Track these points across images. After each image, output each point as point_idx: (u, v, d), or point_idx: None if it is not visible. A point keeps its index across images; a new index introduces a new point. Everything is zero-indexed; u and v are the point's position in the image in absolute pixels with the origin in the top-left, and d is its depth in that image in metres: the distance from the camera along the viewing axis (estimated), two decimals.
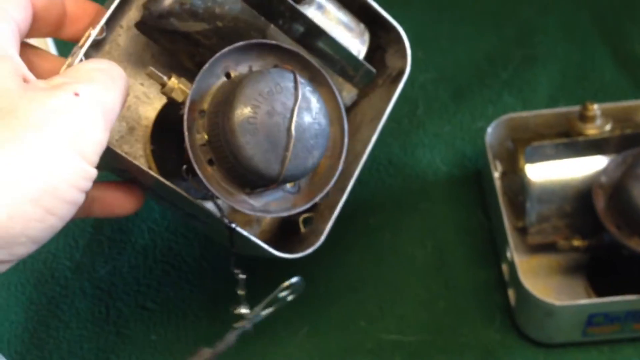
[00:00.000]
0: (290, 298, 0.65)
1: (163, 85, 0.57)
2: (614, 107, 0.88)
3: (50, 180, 0.44)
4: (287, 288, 0.64)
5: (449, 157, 0.99)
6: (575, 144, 0.80)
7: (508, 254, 0.80)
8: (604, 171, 0.78)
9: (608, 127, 0.83)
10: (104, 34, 0.61)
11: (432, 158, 0.99)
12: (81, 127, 0.45)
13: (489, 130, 0.89)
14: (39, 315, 0.86)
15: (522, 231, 0.86)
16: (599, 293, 0.80)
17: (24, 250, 0.46)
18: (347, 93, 0.69)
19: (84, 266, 0.89)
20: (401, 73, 0.73)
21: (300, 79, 0.56)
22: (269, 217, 0.69)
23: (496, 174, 0.90)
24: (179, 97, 0.56)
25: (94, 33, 0.54)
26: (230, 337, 0.64)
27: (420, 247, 0.90)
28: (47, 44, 0.89)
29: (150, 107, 0.67)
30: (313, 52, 0.64)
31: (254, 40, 0.58)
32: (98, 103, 0.47)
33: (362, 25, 0.70)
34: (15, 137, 0.43)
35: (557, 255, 0.85)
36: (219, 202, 0.59)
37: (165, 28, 0.59)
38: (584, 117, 0.83)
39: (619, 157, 0.78)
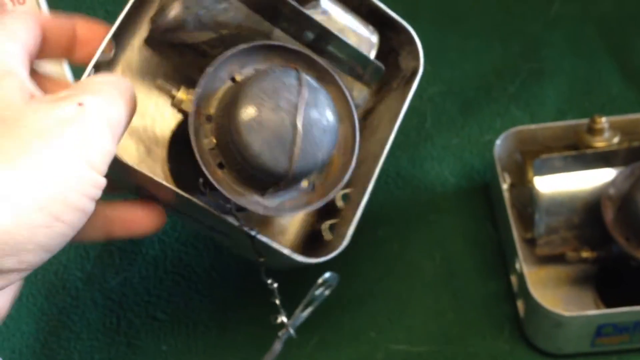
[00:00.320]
0: (327, 293, 0.65)
1: (172, 97, 0.58)
2: (621, 120, 0.89)
3: (58, 188, 0.44)
4: (322, 285, 0.64)
5: (457, 170, 1.00)
6: (584, 157, 0.81)
7: (517, 265, 0.81)
8: (612, 183, 0.78)
9: (616, 140, 0.84)
10: (112, 52, 0.61)
11: (440, 170, 1.00)
12: (87, 136, 0.46)
13: (498, 142, 0.90)
14: (50, 326, 0.86)
15: (530, 242, 0.86)
16: (608, 304, 0.80)
17: (33, 258, 0.46)
18: (357, 92, 0.69)
19: (94, 277, 0.89)
20: (415, 73, 0.74)
21: (304, 76, 0.56)
22: (283, 215, 0.68)
23: (505, 186, 0.90)
24: (188, 108, 0.57)
25: (101, 47, 0.55)
26: (277, 347, 0.65)
27: (429, 258, 0.91)
28: (64, 70, 0.91)
29: (167, 128, 0.68)
30: (320, 52, 0.64)
31: (258, 42, 0.58)
32: (103, 113, 0.48)
33: (370, 27, 0.70)
34: (22, 145, 0.43)
35: (565, 267, 0.86)
36: (240, 214, 0.60)
37: (173, 42, 0.61)
38: (592, 130, 0.84)
39: (627, 169, 0.78)
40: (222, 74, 0.58)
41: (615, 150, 0.81)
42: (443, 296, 0.87)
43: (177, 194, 0.60)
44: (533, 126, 0.91)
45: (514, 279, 0.85)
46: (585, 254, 0.80)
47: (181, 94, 0.57)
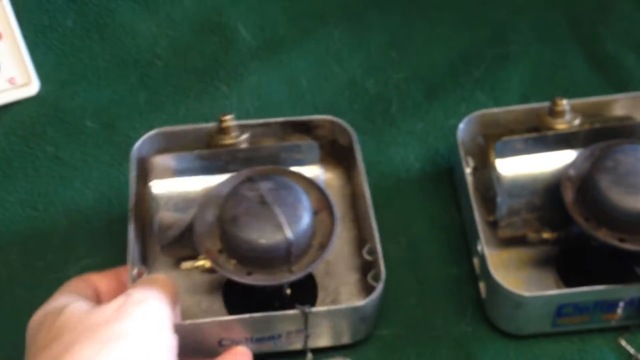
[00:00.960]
0: None
1: (197, 267, 0.77)
2: (583, 103, 0.89)
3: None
4: None
5: (422, 154, 1.00)
6: (545, 138, 0.81)
7: (479, 247, 0.81)
8: (573, 164, 0.78)
9: (577, 122, 0.84)
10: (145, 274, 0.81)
11: (405, 155, 1.00)
12: (148, 327, 0.66)
13: (461, 126, 0.90)
14: None
15: (493, 225, 0.86)
16: (569, 285, 0.80)
17: None
18: (309, 171, 0.83)
19: None
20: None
21: (257, 178, 0.77)
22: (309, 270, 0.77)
23: (468, 170, 0.90)
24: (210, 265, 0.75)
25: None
26: None
27: (394, 242, 0.91)
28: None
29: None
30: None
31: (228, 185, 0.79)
32: (156, 306, 0.68)
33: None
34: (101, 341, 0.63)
35: (527, 249, 0.86)
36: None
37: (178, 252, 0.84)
38: (553, 112, 0.84)
39: (587, 150, 0.79)
40: (207, 215, 0.77)
41: (576, 131, 0.81)
42: (407, 280, 0.87)
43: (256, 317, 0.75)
44: (496, 110, 0.91)
45: (476, 261, 0.85)
46: (546, 235, 0.81)
47: (202, 262, 0.76)
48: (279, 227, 0.72)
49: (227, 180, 0.79)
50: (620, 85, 1.05)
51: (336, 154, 0.95)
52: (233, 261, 0.75)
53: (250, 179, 0.77)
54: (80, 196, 0.97)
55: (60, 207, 0.96)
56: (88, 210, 0.96)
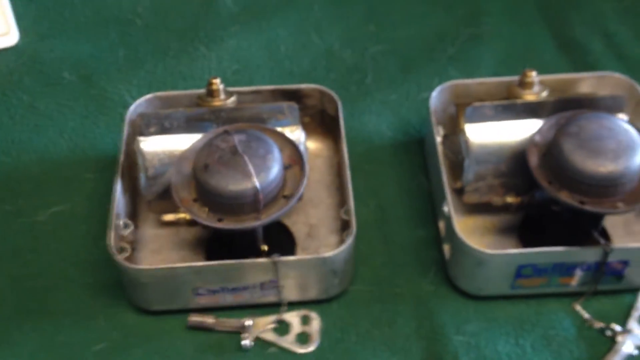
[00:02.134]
0: None
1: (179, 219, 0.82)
2: (551, 79, 0.91)
3: None
4: None
5: (394, 124, 1.02)
6: (514, 107, 0.83)
7: (445, 209, 0.82)
8: (539, 131, 0.80)
9: (545, 94, 0.86)
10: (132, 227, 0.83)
11: (378, 124, 1.01)
12: None
13: (433, 94, 0.92)
14: None
15: (459, 193, 0.88)
16: None
17: None
18: (290, 132, 0.84)
19: None
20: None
21: (232, 132, 0.78)
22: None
23: (438, 138, 0.92)
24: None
25: None
26: None
27: (363, 205, 0.92)
28: None
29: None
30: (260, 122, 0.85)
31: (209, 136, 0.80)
32: None
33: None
34: None
35: (491, 216, 0.88)
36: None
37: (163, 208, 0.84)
38: (523, 84, 0.86)
39: (553, 118, 0.81)
40: (184, 167, 0.78)
41: (543, 102, 0.83)
42: (374, 241, 0.89)
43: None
44: (468, 80, 0.93)
45: (441, 224, 0.87)
46: (510, 200, 0.83)
47: (183, 214, 0.80)
48: (248, 175, 0.73)
49: (206, 135, 0.80)
50: (586, 68, 1.07)
51: (325, 125, 0.96)
52: (205, 209, 0.75)
53: (226, 132, 0.78)
54: (54, 145, 0.97)
55: (33, 154, 0.96)
56: (61, 159, 0.95)
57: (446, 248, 0.85)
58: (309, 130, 0.97)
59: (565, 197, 0.75)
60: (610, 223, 0.88)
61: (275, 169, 0.74)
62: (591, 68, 1.07)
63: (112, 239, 0.78)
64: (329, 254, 0.77)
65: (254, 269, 0.77)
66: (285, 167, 0.78)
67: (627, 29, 1.13)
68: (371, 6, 1.16)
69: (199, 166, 0.74)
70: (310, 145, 0.97)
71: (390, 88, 1.06)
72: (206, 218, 0.74)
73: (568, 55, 1.10)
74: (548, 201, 0.78)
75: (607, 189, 0.74)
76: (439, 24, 1.14)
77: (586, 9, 1.16)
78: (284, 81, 1.05)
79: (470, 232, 0.88)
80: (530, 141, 0.80)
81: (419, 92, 1.04)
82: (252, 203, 0.73)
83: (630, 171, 0.73)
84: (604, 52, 1.10)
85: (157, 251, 0.87)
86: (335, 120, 0.92)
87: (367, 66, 1.08)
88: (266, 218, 0.74)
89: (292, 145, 0.80)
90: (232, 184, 0.72)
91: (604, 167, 0.73)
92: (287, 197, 0.76)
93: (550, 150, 0.77)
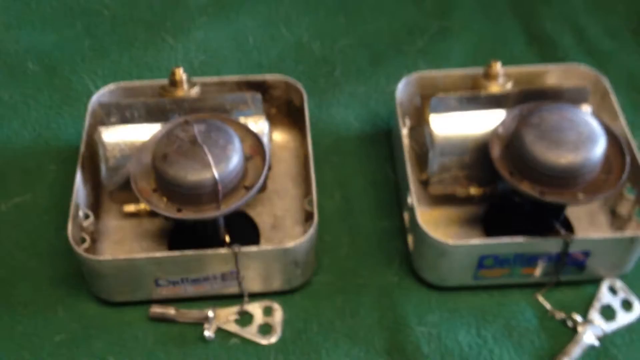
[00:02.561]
0: None
1: (139, 210, 0.82)
2: (518, 71, 0.91)
3: None
4: None
5: (362, 116, 1.01)
6: (478, 98, 0.83)
7: (409, 201, 0.82)
8: (502, 123, 0.80)
9: (509, 86, 0.86)
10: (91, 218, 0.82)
11: (345, 115, 1.01)
12: None
13: (399, 86, 0.91)
14: None
15: (425, 184, 0.88)
16: None
17: None
18: (254, 123, 0.84)
19: None
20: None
21: (193, 122, 0.76)
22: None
23: (405, 130, 0.92)
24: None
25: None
26: None
27: (329, 197, 0.92)
28: None
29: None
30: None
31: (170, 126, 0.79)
32: None
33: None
34: None
35: (456, 208, 0.88)
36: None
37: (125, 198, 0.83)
38: (487, 75, 0.86)
39: (515, 109, 0.81)
40: (144, 157, 0.77)
41: (507, 93, 0.83)
42: (339, 232, 0.88)
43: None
44: (434, 72, 0.93)
45: (406, 215, 0.86)
46: (473, 191, 0.83)
47: (144, 205, 0.77)
48: (207, 165, 0.72)
49: (166, 125, 0.79)
50: (555, 62, 1.07)
51: (292, 116, 0.96)
52: (164, 199, 0.75)
53: (186, 122, 0.77)
54: (16, 136, 0.95)
55: None
56: (24, 150, 0.94)
57: (410, 239, 0.85)
58: (275, 122, 0.96)
59: (526, 188, 0.75)
60: (575, 215, 0.88)
61: (235, 160, 0.74)
62: (560, 61, 1.07)
63: (71, 229, 0.77)
64: (290, 244, 0.77)
65: (215, 259, 0.76)
66: (247, 158, 0.77)
67: (596, 24, 1.14)
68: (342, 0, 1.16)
69: (158, 156, 0.74)
70: (276, 136, 0.96)
71: (358, 80, 1.05)
72: (165, 208, 0.74)
73: (538, 49, 1.10)
74: (510, 192, 0.78)
75: (567, 179, 0.74)
76: (408, 17, 1.14)
77: (557, 3, 1.16)
78: (251, 73, 1.04)
79: (436, 223, 0.88)
80: (493, 133, 0.80)
81: (388, 85, 1.04)
82: (211, 193, 0.73)
83: (590, 162, 0.73)
84: (573, 47, 1.10)
85: (120, 242, 0.86)
86: (301, 111, 0.92)
87: (336, 59, 1.08)
88: (225, 208, 0.73)
89: (254, 136, 0.79)
90: (191, 174, 0.72)
91: (564, 158, 0.73)
92: (248, 188, 0.75)
93: (512, 141, 0.77)
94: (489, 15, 1.15)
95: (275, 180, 0.92)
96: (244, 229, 0.87)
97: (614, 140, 0.77)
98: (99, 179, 0.85)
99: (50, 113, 0.98)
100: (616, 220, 0.87)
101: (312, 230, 0.78)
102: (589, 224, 0.88)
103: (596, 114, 0.92)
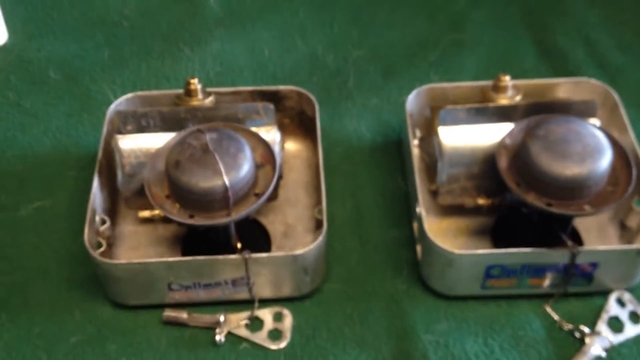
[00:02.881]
0: None
1: (154, 216, 0.84)
2: (528, 84, 0.92)
3: None
4: None
5: (373, 126, 1.03)
6: (486, 110, 0.84)
7: (418, 210, 0.83)
8: (509, 134, 0.81)
9: (518, 99, 0.87)
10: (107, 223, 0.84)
11: (358, 126, 1.03)
12: None
13: (410, 97, 0.93)
14: None
15: (435, 195, 0.89)
16: None
17: None
18: (266, 133, 0.85)
19: None
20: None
21: (205, 131, 0.78)
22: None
23: (415, 141, 0.93)
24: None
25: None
26: None
27: (340, 205, 0.93)
28: None
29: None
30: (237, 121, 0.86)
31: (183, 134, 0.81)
32: None
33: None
34: None
35: (465, 219, 0.89)
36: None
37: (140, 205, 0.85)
38: (496, 88, 0.87)
39: (523, 122, 0.81)
40: (158, 164, 0.79)
41: (515, 105, 0.84)
42: (350, 240, 0.89)
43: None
44: (444, 84, 0.94)
45: (415, 225, 0.87)
46: (481, 201, 0.83)
47: (158, 211, 0.77)
48: (218, 173, 0.74)
49: (180, 133, 0.81)
50: (566, 75, 1.08)
51: (304, 126, 0.97)
52: (177, 205, 0.76)
53: (199, 130, 0.79)
54: (37, 143, 0.98)
55: (17, 151, 0.97)
56: (44, 156, 0.97)
57: (418, 248, 0.85)
58: (288, 132, 0.98)
59: (532, 199, 0.76)
60: (584, 227, 0.88)
61: (245, 167, 0.75)
62: (572, 75, 1.08)
63: (88, 234, 0.79)
64: (299, 251, 0.78)
65: (225, 265, 0.78)
66: (258, 166, 0.79)
67: (608, 37, 1.14)
68: (355, 12, 1.18)
69: (171, 163, 0.75)
70: (289, 146, 0.98)
71: (371, 92, 1.07)
72: (177, 214, 0.75)
73: (549, 62, 1.11)
74: (518, 204, 0.79)
75: (573, 191, 0.74)
76: (421, 30, 1.16)
77: (569, 17, 1.17)
78: (266, 84, 1.06)
79: (444, 233, 0.88)
80: (501, 144, 0.81)
81: (400, 96, 1.05)
82: (222, 200, 0.74)
83: (596, 174, 0.74)
84: (585, 60, 1.11)
85: (135, 247, 0.88)
86: (313, 121, 0.93)
87: (350, 70, 1.10)
88: (236, 215, 0.75)
89: (265, 144, 0.81)
90: (202, 181, 0.73)
91: (569, 169, 0.73)
92: (258, 195, 0.77)
93: (518, 153, 0.78)
94: (502, 28, 1.16)
95: (288, 189, 0.94)
96: (256, 237, 0.89)
97: (621, 153, 0.78)
98: (116, 185, 0.87)
99: (71, 121, 1.00)
100: (625, 232, 0.87)
101: (321, 238, 0.79)
102: (598, 236, 0.88)
103: (605, 127, 0.93)
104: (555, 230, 0.80)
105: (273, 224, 0.90)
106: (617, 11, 1.18)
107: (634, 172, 0.76)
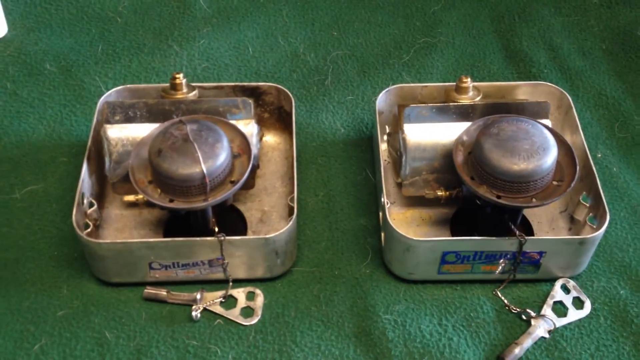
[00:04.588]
0: None
1: (137, 200, 0.86)
2: (491, 86, 0.96)
3: None
4: None
5: (348, 122, 1.07)
6: (447, 109, 0.88)
7: (382, 200, 0.87)
8: (466, 131, 0.85)
9: (478, 99, 0.91)
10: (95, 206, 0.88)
11: (333, 121, 1.06)
12: None
13: (380, 96, 0.97)
14: None
15: (400, 186, 0.93)
16: None
17: None
18: (244, 125, 0.88)
19: None
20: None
21: (186, 122, 0.82)
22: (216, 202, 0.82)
23: (382, 135, 0.97)
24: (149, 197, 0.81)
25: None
26: None
27: (313, 195, 0.97)
28: None
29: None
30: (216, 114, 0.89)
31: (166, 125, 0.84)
32: None
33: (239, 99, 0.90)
34: None
35: (427, 210, 0.93)
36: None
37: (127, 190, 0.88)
38: (458, 88, 0.91)
39: (480, 120, 0.86)
40: (142, 152, 0.82)
41: (474, 105, 0.88)
42: (320, 227, 0.94)
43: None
44: (413, 84, 0.98)
45: (381, 214, 0.92)
46: (440, 193, 0.87)
47: (142, 195, 0.81)
48: (197, 161, 0.78)
49: (163, 124, 0.85)
50: (530, 78, 1.12)
51: (282, 120, 1.01)
52: (159, 190, 0.80)
53: (180, 122, 0.83)
54: (33, 130, 1.02)
55: (13, 138, 1.01)
56: (39, 143, 1.00)
57: (382, 235, 0.90)
58: (268, 125, 1.02)
59: (484, 191, 0.80)
60: (537, 219, 0.93)
61: (222, 157, 0.79)
62: (534, 78, 1.12)
63: (76, 215, 0.83)
64: (270, 235, 0.82)
65: (202, 246, 0.82)
66: (235, 156, 0.83)
67: (570, 43, 1.18)
68: (336, 14, 1.22)
69: (154, 151, 0.79)
70: (268, 138, 1.02)
71: (347, 90, 1.11)
72: (158, 198, 0.79)
73: (514, 65, 1.15)
74: (473, 196, 0.83)
75: (520, 185, 0.79)
76: (397, 33, 1.19)
77: (535, 22, 1.21)
78: (249, 80, 1.10)
79: (408, 223, 0.93)
80: (458, 140, 0.85)
81: (374, 94, 1.09)
82: (200, 186, 0.78)
83: (542, 170, 0.78)
84: (547, 64, 1.15)
85: (121, 229, 0.92)
86: (290, 116, 0.97)
87: (328, 69, 1.13)
88: (212, 200, 0.79)
89: (243, 136, 0.85)
90: (182, 168, 0.77)
91: (517, 165, 0.78)
92: (234, 183, 0.81)
93: (473, 149, 0.82)
94: (471, 32, 1.20)
95: (265, 179, 0.98)
96: (233, 222, 0.93)
97: (568, 151, 0.82)
98: (104, 171, 0.91)
99: (64, 110, 1.04)
100: (574, 225, 0.92)
101: (291, 224, 0.83)
102: (549, 228, 0.93)
103: (559, 127, 0.97)
104: (507, 221, 0.84)
105: (250, 210, 0.94)
106: (580, 18, 1.22)
107: (578, 169, 0.80)
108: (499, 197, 0.79)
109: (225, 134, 0.82)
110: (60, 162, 0.98)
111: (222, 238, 0.80)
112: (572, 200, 0.91)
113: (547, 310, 0.85)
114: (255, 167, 0.92)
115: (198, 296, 0.85)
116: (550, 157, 0.78)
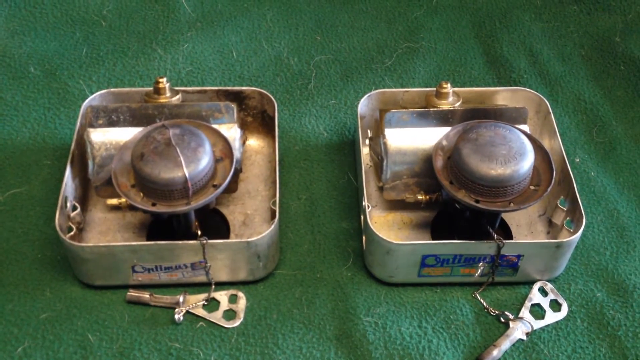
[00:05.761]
0: None
1: (120, 203, 0.85)
2: (471, 91, 0.97)
3: None
4: None
5: (331, 126, 1.07)
6: (427, 114, 0.89)
7: (363, 204, 0.88)
8: (445, 136, 0.86)
9: (458, 105, 0.92)
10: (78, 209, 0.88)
11: (316, 125, 1.07)
12: None
13: (362, 101, 0.97)
14: None
15: (382, 190, 0.94)
16: None
17: None
18: (227, 130, 0.88)
19: None
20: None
21: (169, 126, 0.82)
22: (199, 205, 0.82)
23: (364, 139, 0.98)
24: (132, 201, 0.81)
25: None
26: None
27: (296, 198, 0.98)
28: None
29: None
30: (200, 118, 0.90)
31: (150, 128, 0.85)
32: None
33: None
34: None
35: (408, 213, 0.94)
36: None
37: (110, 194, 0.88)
38: (439, 94, 0.92)
39: (460, 125, 0.87)
40: (125, 155, 0.83)
41: (453, 110, 0.89)
42: (302, 230, 0.94)
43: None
44: (395, 89, 0.99)
45: (362, 217, 0.92)
46: (420, 197, 0.88)
47: (125, 199, 0.81)
48: (179, 165, 0.78)
49: (146, 128, 0.85)
50: (510, 84, 1.14)
51: (266, 124, 1.01)
52: (141, 194, 0.81)
53: (163, 126, 0.83)
54: (17, 133, 1.01)
55: None
56: (22, 146, 1.00)
57: (364, 239, 0.90)
58: (251, 129, 1.02)
59: (462, 196, 0.81)
60: (516, 222, 0.94)
61: (204, 161, 0.80)
62: (514, 83, 1.14)
63: (59, 219, 0.83)
64: (252, 238, 0.83)
65: (185, 250, 0.82)
66: (217, 160, 0.83)
67: (550, 49, 1.20)
68: (319, 18, 1.22)
69: (136, 155, 0.80)
70: (252, 142, 1.02)
71: (330, 94, 1.11)
72: (141, 202, 0.80)
73: (495, 71, 1.16)
74: (452, 200, 0.84)
75: (498, 189, 0.79)
76: (380, 38, 1.20)
77: (516, 28, 1.22)
78: (233, 84, 1.10)
79: (390, 226, 0.93)
80: (437, 145, 0.85)
81: (357, 99, 1.10)
82: (182, 190, 0.79)
83: (519, 175, 0.79)
84: (527, 69, 1.16)
85: (104, 233, 0.92)
86: (274, 120, 0.98)
87: (311, 73, 1.14)
88: (195, 204, 0.79)
89: (225, 140, 0.85)
90: (164, 172, 0.78)
91: (494, 170, 0.79)
92: (216, 186, 0.81)
93: (452, 154, 0.83)
94: (453, 37, 1.21)
95: (248, 182, 0.98)
96: (216, 225, 0.93)
97: (545, 157, 0.83)
98: (87, 175, 0.91)
99: (48, 114, 1.04)
100: (552, 228, 0.93)
101: (272, 227, 0.84)
102: (528, 231, 0.94)
103: (538, 133, 0.99)
104: (485, 225, 0.85)
105: (233, 214, 0.95)
106: (560, 24, 1.23)
107: (554, 174, 0.81)
108: (477, 201, 0.80)
109: (208, 138, 0.82)
110: (43, 165, 0.98)
111: (205, 241, 0.81)
112: (551, 204, 0.93)
113: (525, 312, 0.86)
114: (238, 171, 0.92)
115: (181, 299, 0.85)
116: (527, 162, 0.79)
